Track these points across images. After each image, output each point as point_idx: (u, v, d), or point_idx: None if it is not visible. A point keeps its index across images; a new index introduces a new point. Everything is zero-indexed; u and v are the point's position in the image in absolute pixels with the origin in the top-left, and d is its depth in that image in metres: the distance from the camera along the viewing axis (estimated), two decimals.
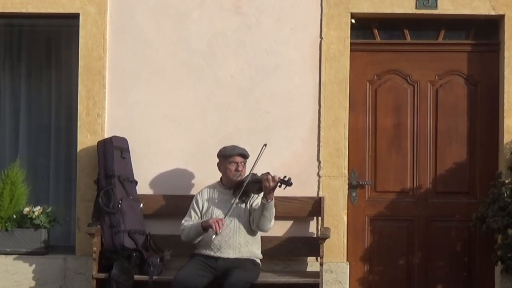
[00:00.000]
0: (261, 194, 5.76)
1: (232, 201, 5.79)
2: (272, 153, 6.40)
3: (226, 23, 6.51)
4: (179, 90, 6.52)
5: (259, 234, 5.97)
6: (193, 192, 6.32)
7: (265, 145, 5.87)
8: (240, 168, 5.89)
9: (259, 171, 5.81)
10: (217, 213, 5.87)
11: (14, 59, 7.06)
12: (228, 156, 5.92)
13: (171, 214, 6.32)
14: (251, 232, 5.88)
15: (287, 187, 5.65)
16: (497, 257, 6.14)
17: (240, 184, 5.82)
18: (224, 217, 5.73)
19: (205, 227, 5.73)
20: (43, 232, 6.44)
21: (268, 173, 5.71)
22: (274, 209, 5.78)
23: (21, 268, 6.40)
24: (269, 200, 5.70)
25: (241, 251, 5.85)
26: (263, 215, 5.74)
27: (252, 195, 5.85)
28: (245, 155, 5.92)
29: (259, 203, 5.79)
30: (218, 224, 5.65)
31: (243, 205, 5.88)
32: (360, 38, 6.64)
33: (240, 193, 5.76)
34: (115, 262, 5.97)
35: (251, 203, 5.87)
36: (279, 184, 5.64)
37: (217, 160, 6.02)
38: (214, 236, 5.69)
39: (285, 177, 5.64)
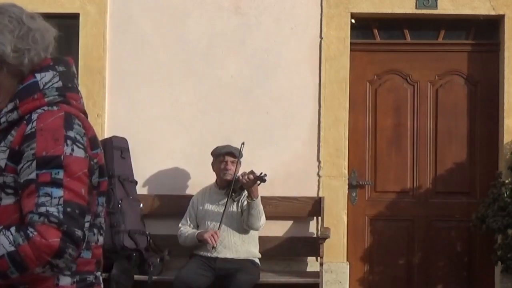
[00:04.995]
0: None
1: (225, 206, 5.78)
2: (272, 153, 6.41)
3: (226, 23, 6.51)
4: (179, 90, 6.52)
5: (256, 233, 5.97)
6: (193, 192, 6.31)
7: (243, 143, 5.85)
8: (228, 167, 5.89)
9: (258, 171, 5.79)
10: (211, 213, 5.88)
11: None
12: (218, 155, 5.94)
13: (171, 214, 6.32)
14: (245, 231, 5.88)
15: (262, 183, 5.64)
16: (497, 257, 6.14)
17: (230, 183, 5.83)
18: (218, 229, 5.75)
19: (201, 240, 5.77)
20: None
21: (252, 171, 5.70)
22: (261, 207, 5.78)
23: None
24: (254, 198, 5.71)
25: (238, 250, 5.85)
26: (250, 214, 5.75)
27: (244, 194, 5.84)
28: (234, 154, 5.91)
29: None
30: (214, 238, 5.68)
31: (234, 204, 5.88)
32: (360, 38, 6.64)
33: (230, 192, 5.76)
34: (115, 262, 5.97)
35: (242, 202, 5.86)
36: (257, 181, 5.65)
37: None
38: (212, 250, 5.74)
39: (261, 173, 5.64)
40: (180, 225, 5.99)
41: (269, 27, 6.50)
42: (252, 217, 5.75)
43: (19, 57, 2.21)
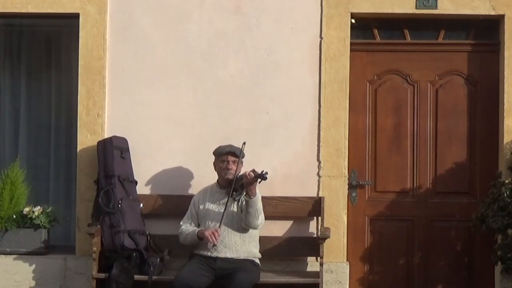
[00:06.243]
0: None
1: (225, 205, 5.77)
2: (272, 153, 6.42)
3: (226, 23, 6.51)
4: (179, 90, 6.52)
5: (257, 232, 5.97)
6: (193, 191, 6.32)
7: (244, 143, 5.87)
8: (230, 166, 5.89)
9: (258, 170, 5.78)
10: (212, 212, 5.88)
11: (14, 59, 7.07)
12: (220, 154, 5.95)
13: (171, 214, 6.33)
14: (245, 230, 5.88)
15: (262, 181, 5.63)
16: (497, 257, 6.14)
17: (231, 182, 5.83)
18: (219, 226, 5.74)
19: (201, 238, 5.76)
20: (43, 232, 6.44)
21: (253, 169, 5.70)
22: (260, 206, 5.78)
23: (21, 268, 6.40)
24: (251, 197, 5.70)
25: (238, 250, 5.85)
26: (248, 212, 5.75)
27: (244, 193, 5.82)
28: (236, 154, 5.91)
29: None
30: (214, 236, 5.68)
31: (235, 204, 5.88)
32: (360, 38, 6.64)
33: (230, 191, 5.76)
34: (115, 262, 5.98)
35: (241, 201, 5.85)
36: (258, 179, 5.64)
37: None
38: (212, 248, 5.74)
39: (262, 171, 5.63)
40: (181, 223, 5.99)
41: (269, 27, 6.50)
42: (249, 215, 5.75)
43: None
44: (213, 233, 5.69)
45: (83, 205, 6.46)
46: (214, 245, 5.71)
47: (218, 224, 5.78)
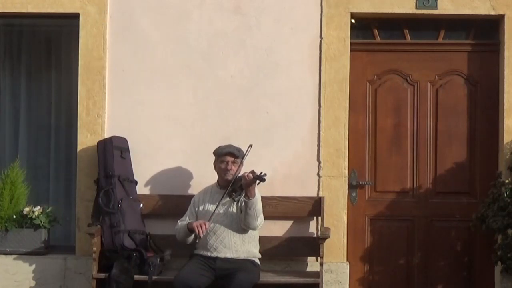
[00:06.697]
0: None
1: (218, 203, 5.78)
2: (272, 153, 6.42)
3: (226, 23, 6.52)
4: (179, 90, 6.52)
5: (256, 233, 5.97)
6: (193, 192, 6.32)
7: (251, 145, 5.87)
8: (229, 167, 5.89)
9: (258, 171, 5.79)
10: (211, 213, 5.87)
11: (14, 59, 7.07)
12: (220, 155, 5.95)
13: (171, 214, 6.32)
14: (244, 230, 5.88)
15: (261, 182, 5.63)
16: (497, 257, 6.14)
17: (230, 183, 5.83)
18: (209, 220, 5.74)
19: (190, 229, 5.76)
20: (43, 232, 6.44)
21: (252, 170, 5.70)
22: (259, 206, 5.78)
23: (21, 268, 6.40)
24: (250, 198, 5.70)
25: (238, 250, 5.85)
26: (247, 213, 5.74)
27: (243, 193, 5.82)
28: (235, 154, 5.91)
29: None
30: (201, 227, 5.67)
31: (234, 204, 5.88)
32: (360, 38, 6.64)
33: (227, 191, 5.76)
34: (115, 262, 5.97)
35: (241, 202, 5.85)
36: (257, 181, 5.64)
37: None
38: (197, 240, 5.74)
39: (261, 173, 5.63)
40: (178, 221, 5.98)
41: (269, 27, 6.50)
42: (248, 216, 5.75)
43: None
44: (200, 224, 5.69)
45: (83, 205, 6.47)
46: (199, 237, 5.69)
47: (217, 224, 5.80)
